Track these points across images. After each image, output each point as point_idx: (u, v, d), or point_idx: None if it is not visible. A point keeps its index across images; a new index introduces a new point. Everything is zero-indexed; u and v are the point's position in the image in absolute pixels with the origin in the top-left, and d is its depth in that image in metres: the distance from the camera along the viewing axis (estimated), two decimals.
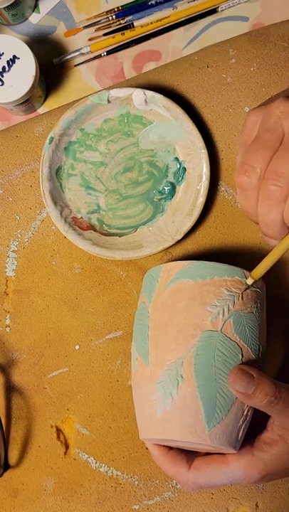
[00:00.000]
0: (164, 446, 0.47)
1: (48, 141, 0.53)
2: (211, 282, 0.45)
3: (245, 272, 0.46)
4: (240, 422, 0.44)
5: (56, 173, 0.55)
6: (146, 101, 0.54)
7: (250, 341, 0.45)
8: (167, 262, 0.56)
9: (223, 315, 0.44)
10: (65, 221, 0.54)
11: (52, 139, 0.53)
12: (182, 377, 0.43)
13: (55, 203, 0.54)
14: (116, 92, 0.53)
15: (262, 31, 0.57)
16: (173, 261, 0.55)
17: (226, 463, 0.45)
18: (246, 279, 0.46)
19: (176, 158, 0.56)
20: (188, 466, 0.46)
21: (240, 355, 0.44)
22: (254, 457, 0.44)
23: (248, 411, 0.45)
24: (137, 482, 0.55)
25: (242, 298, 0.45)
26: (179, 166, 0.56)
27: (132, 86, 0.57)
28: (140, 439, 0.47)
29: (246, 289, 0.46)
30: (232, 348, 0.44)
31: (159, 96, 0.53)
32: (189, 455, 0.47)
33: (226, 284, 0.45)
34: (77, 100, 0.57)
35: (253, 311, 0.46)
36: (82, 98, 0.54)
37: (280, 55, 0.57)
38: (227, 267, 0.46)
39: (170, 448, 0.48)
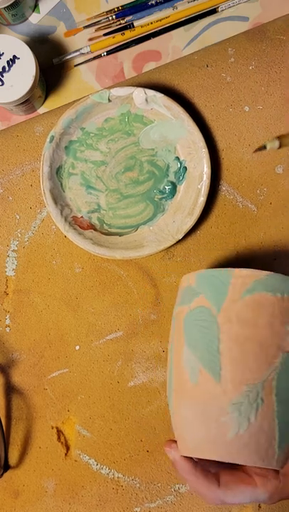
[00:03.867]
0: (190, 458, 0.45)
1: (48, 139, 0.53)
2: None
3: None
4: None
5: (57, 173, 0.55)
6: (146, 100, 0.54)
7: None
8: (168, 261, 0.56)
9: None
10: (66, 220, 0.54)
11: (52, 137, 0.53)
12: (263, 400, 0.40)
13: (55, 202, 0.54)
14: (117, 91, 0.53)
15: (259, 28, 0.57)
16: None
17: (253, 485, 0.44)
18: None
19: (177, 158, 0.56)
20: (217, 482, 0.45)
21: None
22: (280, 484, 0.43)
23: None
24: (138, 485, 0.54)
25: None
26: (179, 166, 0.56)
27: (132, 85, 0.57)
28: (184, 455, 0.44)
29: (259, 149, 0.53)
30: None
31: (159, 95, 0.53)
32: (211, 466, 0.46)
33: None
34: (78, 100, 0.56)
35: None
36: (83, 97, 0.54)
37: (277, 50, 0.57)
38: None
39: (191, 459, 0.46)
